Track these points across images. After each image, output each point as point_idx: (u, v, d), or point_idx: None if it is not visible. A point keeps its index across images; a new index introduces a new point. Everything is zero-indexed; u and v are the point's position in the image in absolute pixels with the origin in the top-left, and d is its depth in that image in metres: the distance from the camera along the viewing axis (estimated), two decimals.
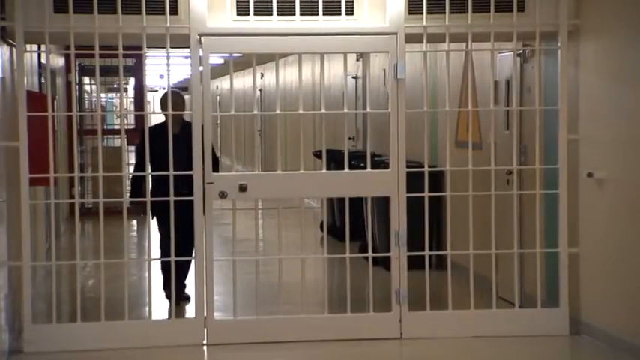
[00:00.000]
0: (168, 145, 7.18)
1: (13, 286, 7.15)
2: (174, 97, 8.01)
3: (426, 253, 7.44)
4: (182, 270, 8.36)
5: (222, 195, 7.18)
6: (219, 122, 25.71)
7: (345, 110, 7.72)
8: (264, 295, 7.58)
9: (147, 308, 7.46)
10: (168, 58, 7.33)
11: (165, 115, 7.75)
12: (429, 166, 7.50)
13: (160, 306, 7.72)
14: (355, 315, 7.33)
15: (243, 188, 7.19)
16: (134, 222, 14.55)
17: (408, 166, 7.36)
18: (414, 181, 7.40)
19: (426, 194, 7.35)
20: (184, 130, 7.82)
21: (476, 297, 7.37)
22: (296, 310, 7.38)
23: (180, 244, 7.54)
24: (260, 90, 23.95)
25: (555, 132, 7.42)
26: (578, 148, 7.36)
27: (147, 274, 7.44)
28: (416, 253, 7.39)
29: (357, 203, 7.43)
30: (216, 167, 7.54)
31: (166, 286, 8.34)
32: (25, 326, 7.06)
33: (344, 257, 7.37)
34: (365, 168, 7.53)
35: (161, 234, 8.41)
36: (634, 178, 6.68)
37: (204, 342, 7.20)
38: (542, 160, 7.52)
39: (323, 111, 7.43)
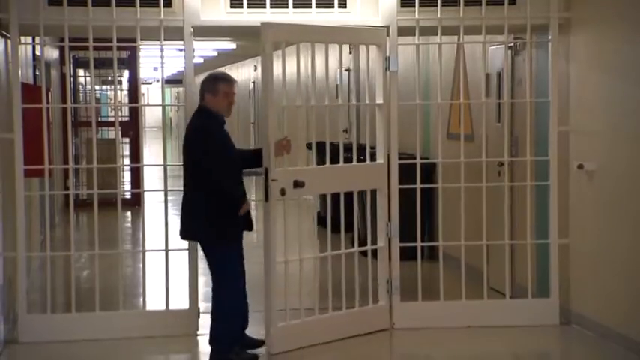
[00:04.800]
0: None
1: (8, 276, 7.19)
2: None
3: (418, 244, 7.48)
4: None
5: (282, 192, 6.65)
6: None
7: (340, 102, 7.75)
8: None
9: (141, 299, 7.49)
10: (162, 50, 7.36)
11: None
12: (421, 158, 7.54)
13: (153, 297, 7.75)
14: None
15: (299, 184, 6.73)
16: (128, 213, 14.57)
17: (400, 158, 7.41)
18: (406, 173, 7.45)
19: (418, 186, 7.40)
20: None
21: (467, 288, 7.42)
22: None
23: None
24: (253, 82, 23.95)
25: (546, 124, 7.47)
26: (569, 140, 7.41)
27: (141, 265, 7.47)
28: (408, 244, 7.44)
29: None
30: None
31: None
32: (20, 316, 7.10)
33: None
34: (364, 160, 7.53)
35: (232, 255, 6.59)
36: (624, 170, 6.73)
37: (198, 332, 7.25)
38: (533, 151, 7.58)
39: (327, 103, 7.34)
